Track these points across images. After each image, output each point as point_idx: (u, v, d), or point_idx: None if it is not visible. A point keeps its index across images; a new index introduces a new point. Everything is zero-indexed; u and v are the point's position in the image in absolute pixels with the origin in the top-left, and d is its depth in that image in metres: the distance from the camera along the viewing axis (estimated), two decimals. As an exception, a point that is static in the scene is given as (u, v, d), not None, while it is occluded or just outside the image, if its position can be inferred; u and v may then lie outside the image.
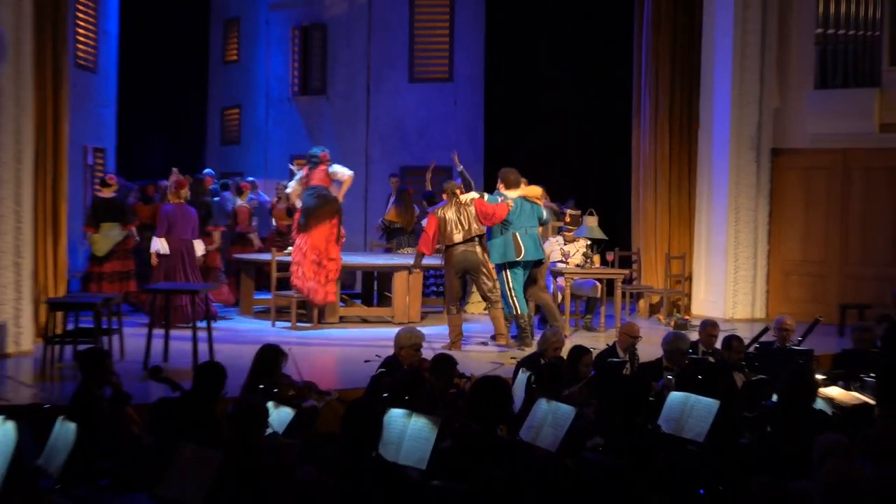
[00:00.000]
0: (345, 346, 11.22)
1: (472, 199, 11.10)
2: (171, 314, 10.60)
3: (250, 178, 15.73)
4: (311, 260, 12.06)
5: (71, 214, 12.06)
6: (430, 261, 12.22)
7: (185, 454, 5.10)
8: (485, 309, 11.58)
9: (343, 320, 12.99)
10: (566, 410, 6.14)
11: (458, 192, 11.21)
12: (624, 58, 15.13)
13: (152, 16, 19.52)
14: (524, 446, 5.92)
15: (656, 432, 6.22)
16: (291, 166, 14.70)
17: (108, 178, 13.06)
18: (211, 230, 13.46)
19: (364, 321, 13.17)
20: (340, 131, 17.58)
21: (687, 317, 13.28)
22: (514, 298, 11.11)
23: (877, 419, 6.75)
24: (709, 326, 9.11)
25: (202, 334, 9.75)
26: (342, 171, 12.60)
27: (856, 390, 7.87)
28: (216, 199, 14.54)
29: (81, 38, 16.11)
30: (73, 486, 5.51)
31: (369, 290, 14.85)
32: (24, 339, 10.21)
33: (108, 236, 12.66)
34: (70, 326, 10.27)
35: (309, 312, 12.59)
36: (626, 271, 13.68)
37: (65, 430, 5.69)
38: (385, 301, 13.91)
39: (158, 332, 9.80)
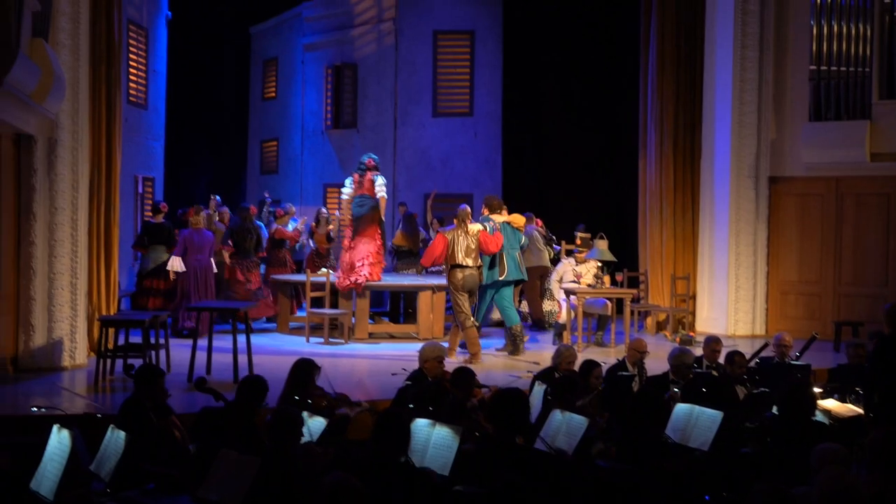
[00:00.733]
0: (373, 360, 11.20)
1: (479, 231, 11.37)
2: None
3: (286, 205, 15.72)
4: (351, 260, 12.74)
5: (122, 239, 12.12)
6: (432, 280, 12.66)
7: (225, 459, 5.08)
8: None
9: (372, 336, 12.98)
10: (579, 420, 6.10)
11: (467, 220, 11.37)
12: (631, 93, 15.13)
13: (198, 57, 19.69)
14: (540, 454, 5.88)
15: (664, 441, 6.17)
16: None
17: (161, 206, 13.27)
18: (227, 251, 13.52)
19: (391, 337, 13.15)
20: (370, 162, 17.62)
21: (691, 333, 13.20)
22: (507, 313, 11.67)
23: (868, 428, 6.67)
24: (712, 342, 9.05)
25: (241, 346, 9.76)
26: (380, 191, 12.91)
27: (851, 402, 7.80)
28: (261, 224, 14.50)
29: (133, 77, 16.24)
30: (122, 490, 5.50)
31: (396, 308, 14.83)
32: (79, 354, 10.25)
33: (154, 257, 12.90)
34: (121, 342, 10.29)
35: (341, 329, 12.61)
36: (635, 291, 13.63)
37: (115, 437, 5.68)
38: (411, 318, 13.90)
39: (201, 344, 9.82)
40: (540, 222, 14.63)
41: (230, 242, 13.47)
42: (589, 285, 12.50)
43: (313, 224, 14.85)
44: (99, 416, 6.68)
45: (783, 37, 13.81)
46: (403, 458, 5.08)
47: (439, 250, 11.25)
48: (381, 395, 8.59)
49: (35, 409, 7.54)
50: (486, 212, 12.01)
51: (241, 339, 9.78)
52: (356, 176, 13.11)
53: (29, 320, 9.91)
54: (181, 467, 5.89)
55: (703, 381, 7.48)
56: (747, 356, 8.91)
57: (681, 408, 6.55)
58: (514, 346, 11.55)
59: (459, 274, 11.17)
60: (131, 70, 16.07)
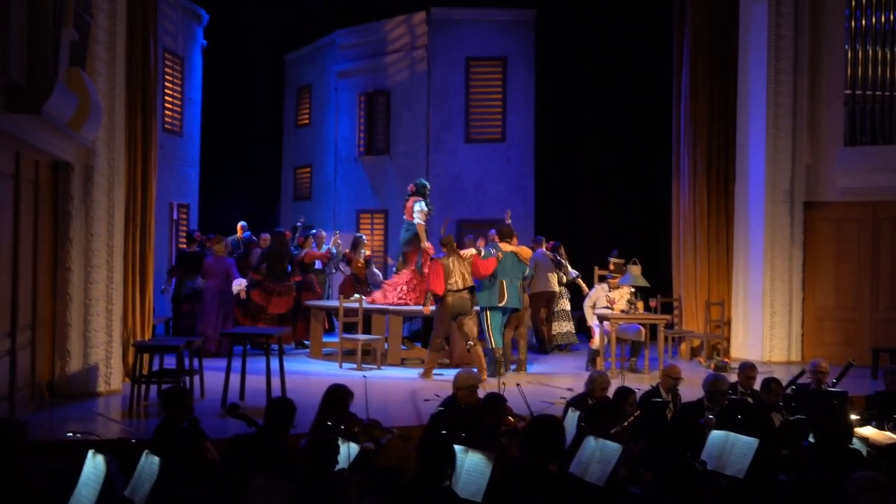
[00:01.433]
0: (406, 386, 11.19)
1: (472, 255, 11.96)
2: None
3: (317, 231, 15.81)
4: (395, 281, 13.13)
5: (157, 265, 12.23)
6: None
7: (257, 484, 5.08)
8: (467, 349, 11.94)
9: (404, 362, 12.97)
10: (613, 447, 6.05)
11: (454, 245, 12.06)
12: (664, 118, 15.10)
13: (232, 84, 19.87)
14: (574, 480, 5.84)
15: (700, 468, 6.11)
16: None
17: (196, 235, 13.69)
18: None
19: (424, 363, 13.11)
20: (403, 188, 17.62)
21: (726, 359, 13.09)
22: (491, 335, 11.83)
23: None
24: (747, 368, 8.96)
25: (275, 371, 9.78)
26: (415, 218, 13.33)
27: (889, 430, 7.69)
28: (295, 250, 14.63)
29: (169, 105, 16.43)
30: (156, 515, 5.51)
31: (428, 334, 14.78)
32: (114, 379, 10.32)
33: (191, 283, 13.60)
34: (155, 367, 10.35)
35: (373, 355, 12.63)
36: (668, 317, 13.56)
37: (149, 463, 5.70)
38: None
39: (235, 366, 9.86)
40: (548, 246, 14.60)
41: (264, 266, 13.65)
42: (622, 311, 12.45)
43: (348, 250, 14.94)
44: (133, 441, 6.70)
45: (818, 61, 13.75)
46: (447, 482, 5.05)
47: (441, 276, 11.81)
48: (413, 421, 8.57)
49: (70, 434, 7.58)
50: (495, 239, 12.34)
51: (275, 364, 9.82)
52: (405, 201, 13.49)
53: (65, 346, 10.00)
54: (215, 492, 5.90)
55: (738, 407, 7.41)
56: (783, 383, 8.82)
57: (716, 434, 6.49)
58: (495, 368, 11.75)
59: (449, 298, 11.76)
60: (167, 98, 16.26)
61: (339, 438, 6.37)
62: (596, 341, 12.55)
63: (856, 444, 6.73)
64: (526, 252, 12.39)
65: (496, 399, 7.16)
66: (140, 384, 9.63)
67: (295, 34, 20.27)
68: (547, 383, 11.38)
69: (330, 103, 19.67)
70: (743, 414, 6.98)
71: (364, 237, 15.34)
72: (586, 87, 17.34)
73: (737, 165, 14.04)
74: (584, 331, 13.90)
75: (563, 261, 14.52)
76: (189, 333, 13.14)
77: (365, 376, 9.37)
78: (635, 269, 12.45)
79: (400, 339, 13.12)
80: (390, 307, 13.14)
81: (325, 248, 14.96)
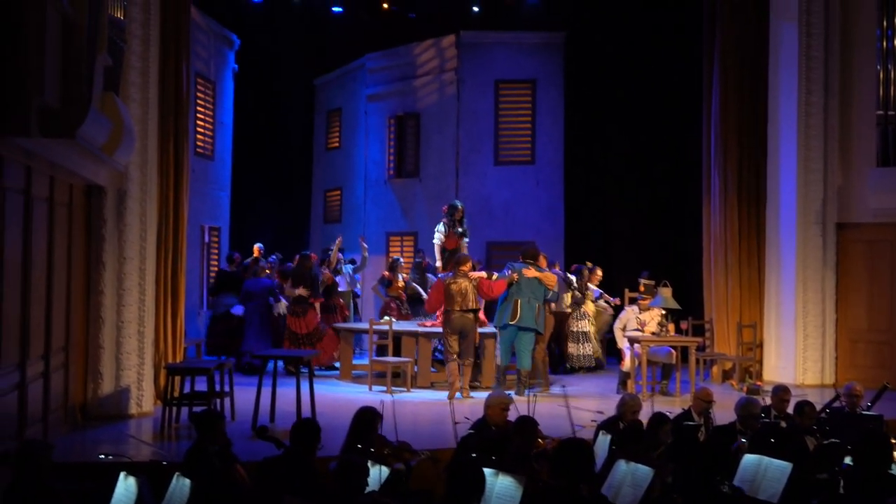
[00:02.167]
0: (436, 408, 11.16)
1: (479, 278, 12.27)
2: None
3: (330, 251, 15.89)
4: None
5: (189, 287, 12.30)
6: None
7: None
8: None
9: (434, 385, 12.94)
10: (644, 471, 6.00)
11: (466, 266, 12.25)
12: (694, 139, 15.03)
13: (263, 108, 20.02)
14: (605, 503, 5.78)
15: (734, 493, 6.04)
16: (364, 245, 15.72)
17: (235, 257, 14.43)
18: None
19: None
20: (432, 210, 17.66)
21: (759, 383, 12.94)
22: (498, 353, 12.33)
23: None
24: (780, 392, 8.87)
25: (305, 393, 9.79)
26: (434, 238, 13.66)
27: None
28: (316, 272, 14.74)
29: (200, 129, 16.58)
30: (187, 537, 5.52)
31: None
32: (146, 402, 10.37)
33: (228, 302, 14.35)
34: (186, 389, 10.39)
35: (403, 377, 12.63)
36: (700, 339, 13.46)
37: (181, 485, 5.72)
38: (475, 367, 13.80)
39: (266, 387, 9.87)
40: (557, 266, 14.58)
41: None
42: (653, 333, 12.37)
43: (387, 272, 15.07)
44: (164, 463, 6.72)
45: (848, 82, 13.64)
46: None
47: (438, 297, 12.23)
48: (443, 444, 8.53)
49: (102, 456, 7.62)
50: (521, 258, 12.50)
51: (305, 386, 9.82)
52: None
53: (97, 368, 10.06)
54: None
55: (771, 431, 7.33)
56: (817, 406, 8.71)
57: (749, 458, 6.43)
58: (517, 387, 11.98)
59: (454, 316, 12.00)
60: (199, 122, 16.41)
61: (370, 461, 6.37)
62: (627, 364, 12.47)
63: (894, 468, 6.63)
64: (550, 279, 12.43)
65: (527, 422, 7.12)
66: (171, 406, 9.67)
67: (325, 58, 20.41)
68: (575, 406, 11.28)
69: (360, 126, 19.77)
70: (776, 437, 6.89)
71: (401, 260, 15.47)
72: (615, 109, 17.31)
73: (768, 186, 13.94)
74: (614, 353, 13.81)
75: (580, 280, 14.53)
76: (223, 353, 13.60)
77: (394, 398, 9.35)
78: (666, 292, 12.38)
79: (430, 362, 13.10)
80: (420, 329, 13.15)
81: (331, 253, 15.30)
